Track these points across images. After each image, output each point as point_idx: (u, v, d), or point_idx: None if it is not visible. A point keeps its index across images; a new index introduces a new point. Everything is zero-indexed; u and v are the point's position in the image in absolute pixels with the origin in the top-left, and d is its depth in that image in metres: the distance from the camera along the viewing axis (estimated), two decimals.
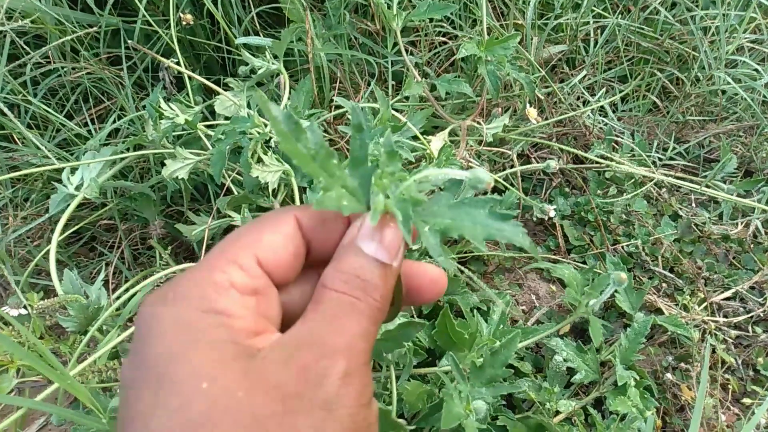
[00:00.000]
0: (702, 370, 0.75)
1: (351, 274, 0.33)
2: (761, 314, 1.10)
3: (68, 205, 0.91)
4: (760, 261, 1.19)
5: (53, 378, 0.52)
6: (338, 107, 1.11)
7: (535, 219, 1.14)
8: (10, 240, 1.04)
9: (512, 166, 1.15)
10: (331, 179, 0.33)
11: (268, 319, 0.33)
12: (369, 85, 1.18)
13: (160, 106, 0.91)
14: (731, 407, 1.00)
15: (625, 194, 1.24)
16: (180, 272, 1.00)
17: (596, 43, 1.35)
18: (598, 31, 1.36)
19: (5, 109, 0.82)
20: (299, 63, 1.18)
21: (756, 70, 1.32)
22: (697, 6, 1.35)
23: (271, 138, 0.89)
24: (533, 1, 1.21)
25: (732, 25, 1.35)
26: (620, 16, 1.36)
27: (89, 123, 1.14)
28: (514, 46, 0.98)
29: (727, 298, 1.13)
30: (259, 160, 0.88)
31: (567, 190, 1.31)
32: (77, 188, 0.91)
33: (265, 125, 0.89)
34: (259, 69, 0.98)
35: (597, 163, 1.19)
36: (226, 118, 0.99)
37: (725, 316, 1.10)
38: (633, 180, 1.26)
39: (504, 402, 0.92)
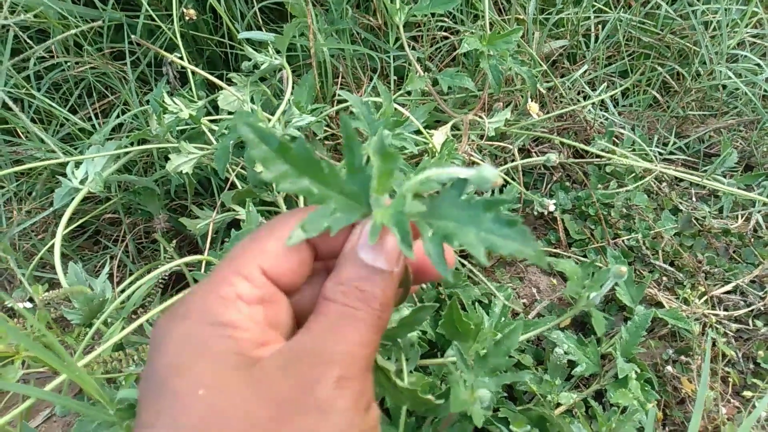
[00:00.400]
0: (703, 363, 0.76)
1: (350, 286, 0.33)
2: (762, 308, 1.10)
3: (73, 198, 0.91)
4: (760, 255, 1.20)
5: (61, 368, 0.52)
6: (340, 102, 1.11)
7: (535, 213, 1.15)
8: (15, 233, 1.05)
9: (513, 161, 1.15)
10: (326, 188, 0.33)
11: (278, 325, 0.34)
12: (371, 80, 1.18)
13: (164, 101, 0.92)
14: (732, 400, 1.01)
15: (625, 188, 1.24)
16: (184, 266, 1.01)
17: (597, 38, 1.35)
18: (599, 26, 1.36)
19: (11, 103, 0.82)
20: (302, 58, 1.18)
21: (757, 64, 1.32)
22: (698, 0, 1.35)
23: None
24: None
25: (733, 20, 1.35)
26: (621, 11, 1.36)
27: (93, 117, 1.15)
28: (516, 41, 0.99)
29: (728, 292, 1.13)
30: None
31: (567, 184, 1.31)
32: (82, 182, 0.92)
33: (269, 120, 0.90)
34: (262, 64, 0.99)
35: (598, 156, 1.20)
36: (230, 113, 0.99)
37: (726, 310, 1.11)
38: (633, 174, 1.27)
39: (506, 394, 0.93)
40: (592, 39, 1.36)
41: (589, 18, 1.34)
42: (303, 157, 0.32)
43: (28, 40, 1.06)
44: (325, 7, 1.16)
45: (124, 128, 1.13)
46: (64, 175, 0.92)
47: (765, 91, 1.32)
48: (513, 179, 1.14)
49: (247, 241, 0.35)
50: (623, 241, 1.20)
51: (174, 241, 1.06)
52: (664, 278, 1.15)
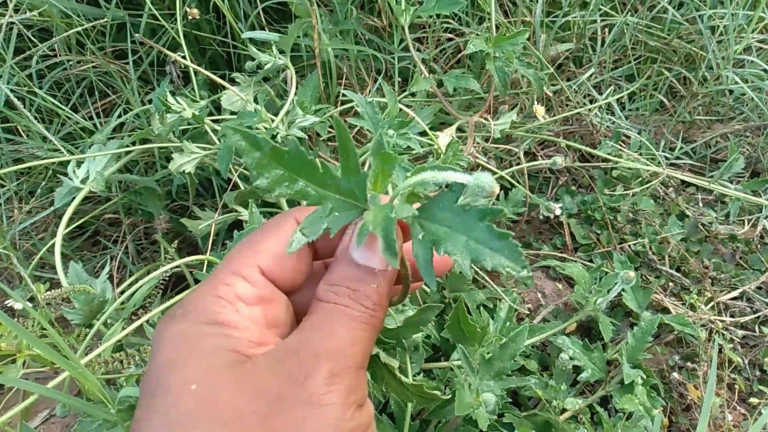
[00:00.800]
0: (710, 370, 0.74)
1: (341, 286, 0.33)
2: None
3: (73, 198, 0.91)
4: (767, 261, 1.19)
5: (64, 366, 0.52)
6: (344, 102, 1.11)
7: (541, 217, 1.14)
8: (15, 233, 1.04)
9: (519, 164, 1.14)
10: (323, 188, 0.33)
11: (277, 324, 0.35)
12: (375, 81, 1.17)
13: (167, 100, 0.91)
14: (738, 407, 1.00)
15: (632, 192, 1.23)
16: (185, 266, 1.00)
17: (603, 41, 1.34)
18: (606, 29, 1.36)
19: (15, 101, 0.81)
20: (306, 58, 1.18)
21: (764, 69, 1.31)
22: (705, 5, 1.34)
23: (278, 133, 0.89)
24: None
25: (740, 25, 1.34)
26: (628, 14, 1.35)
27: (94, 116, 1.14)
28: (522, 43, 0.98)
29: (734, 298, 1.12)
30: None
31: (573, 188, 1.30)
32: (83, 181, 0.91)
33: (272, 120, 0.89)
34: (266, 64, 0.98)
35: (604, 160, 1.19)
36: (233, 113, 0.98)
37: (732, 316, 1.10)
38: (640, 179, 1.26)
39: (510, 400, 0.92)
40: (599, 42, 1.35)
41: (595, 21, 1.33)
42: (297, 159, 0.32)
43: (32, 38, 1.06)
44: (329, 8, 1.16)
45: (126, 128, 1.13)
46: (65, 174, 0.92)
47: None
48: (518, 182, 1.13)
49: (246, 242, 0.35)
50: (630, 246, 1.19)
51: (174, 243, 1.05)
52: (671, 284, 1.14)
